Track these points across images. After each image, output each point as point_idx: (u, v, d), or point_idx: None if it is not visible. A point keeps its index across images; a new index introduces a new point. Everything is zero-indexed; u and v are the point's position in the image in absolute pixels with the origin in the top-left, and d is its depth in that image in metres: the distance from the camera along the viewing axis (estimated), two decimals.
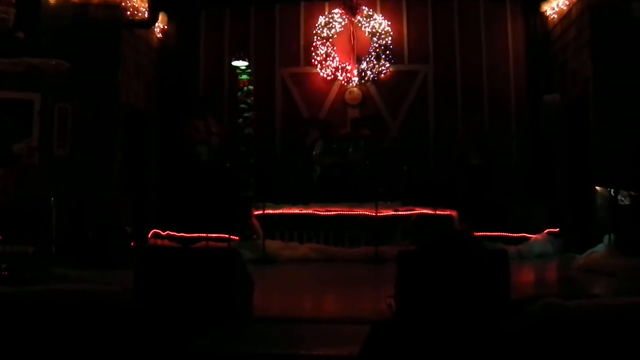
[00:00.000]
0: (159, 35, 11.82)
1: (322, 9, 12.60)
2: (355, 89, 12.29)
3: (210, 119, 11.16)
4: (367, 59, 12.19)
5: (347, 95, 12.33)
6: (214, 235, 9.63)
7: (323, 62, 12.26)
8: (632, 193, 8.20)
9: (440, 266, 2.01)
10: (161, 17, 11.44)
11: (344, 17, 12.35)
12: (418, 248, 2.17)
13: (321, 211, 10.03)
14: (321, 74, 12.31)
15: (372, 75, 12.20)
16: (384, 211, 9.76)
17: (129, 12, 10.21)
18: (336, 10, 12.39)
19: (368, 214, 9.73)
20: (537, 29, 11.72)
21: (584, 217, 9.38)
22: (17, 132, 8.88)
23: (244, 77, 11.48)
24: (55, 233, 8.34)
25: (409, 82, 12.31)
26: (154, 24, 11.18)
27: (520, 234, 9.84)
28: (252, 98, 11.55)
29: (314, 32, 12.38)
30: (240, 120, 11.30)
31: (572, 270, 7.98)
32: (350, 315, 5.26)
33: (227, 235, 9.47)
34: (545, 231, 9.91)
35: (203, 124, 10.91)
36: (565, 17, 10.58)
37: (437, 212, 9.64)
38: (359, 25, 12.31)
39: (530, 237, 9.80)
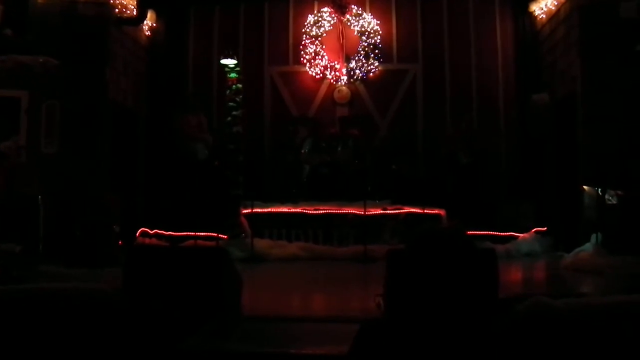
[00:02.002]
0: (148, 32, 11.79)
1: (311, 8, 12.58)
2: (344, 87, 12.29)
3: (202, 116, 11.10)
4: (356, 58, 12.20)
5: (336, 94, 12.33)
6: (202, 233, 9.62)
7: (312, 60, 12.25)
8: (619, 192, 8.24)
9: (429, 265, 2.01)
10: (150, 14, 11.40)
11: (333, 15, 12.34)
12: (407, 246, 2.17)
13: (310, 210, 10.02)
14: (310, 72, 12.30)
15: (361, 74, 12.20)
16: (372, 210, 9.76)
17: (117, 10, 10.18)
18: (325, 9, 12.39)
19: (357, 213, 9.72)
20: (526, 29, 11.77)
21: (572, 216, 9.43)
22: (4, 129, 8.84)
23: (233, 75, 11.46)
24: (43, 231, 8.30)
25: (398, 81, 12.32)
26: (143, 22, 11.14)
27: (508, 233, 9.87)
28: (241, 96, 11.54)
29: (303, 30, 12.37)
30: (229, 118, 11.27)
31: (560, 269, 8.02)
32: (339, 314, 5.26)
33: (216, 234, 9.46)
34: (533, 230, 9.95)
35: (195, 120, 10.84)
36: (553, 17, 10.62)
37: (425, 211, 9.65)
38: (348, 24, 12.31)
39: (519, 235, 9.84)
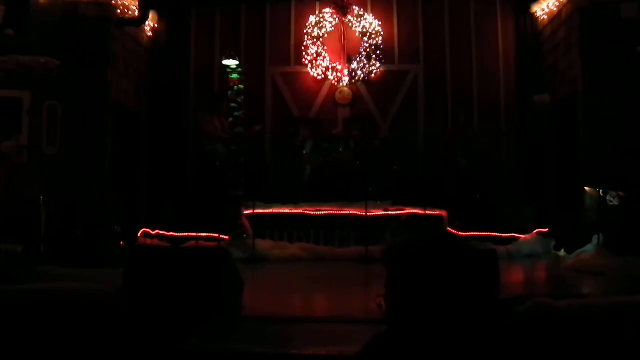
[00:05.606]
0: (150, 33, 11.80)
1: (312, 9, 12.58)
2: (345, 88, 12.28)
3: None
4: (358, 59, 12.19)
5: (337, 95, 12.32)
6: (203, 234, 9.61)
7: (314, 61, 12.25)
8: (621, 193, 8.24)
9: (429, 266, 2.00)
10: (152, 15, 11.41)
11: (335, 16, 12.33)
12: (407, 247, 2.16)
13: (311, 211, 10.01)
14: (312, 73, 12.30)
15: (362, 75, 12.19)
16: (374, 211, 9.75)
17: (119, 10, 10.19)
18: (327, 10, 12.38)
19: (358, 214, 9.72)
20: (527, 30, 11.76)
21: (573, 217, 9.42)
22: (5, 130, 8.85)
23: (235, 76, 11.46)
24: (44, 232, 8.30)
25: (400, 82, 12.32)
26: (145, 23, 11.15)
27: (509, 234, 9.85)
28: (243, 97, 11.53)
29: (305, 31, 12.37)
30: (231, 119, 11.27)
31: (562, 270, 8.01)
32: (340, 314, 5.26)
33: (217, 235, 9.45)
34: (534, 231, 9.93)
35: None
36: (555, 18, 10.62)
37: (427, 212, 9.64)
38: (350, 25, 12.31)
39: (520, 237, 9.82)
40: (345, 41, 12.34)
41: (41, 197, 8.36)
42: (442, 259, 1.99)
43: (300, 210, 10.06)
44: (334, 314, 5.42)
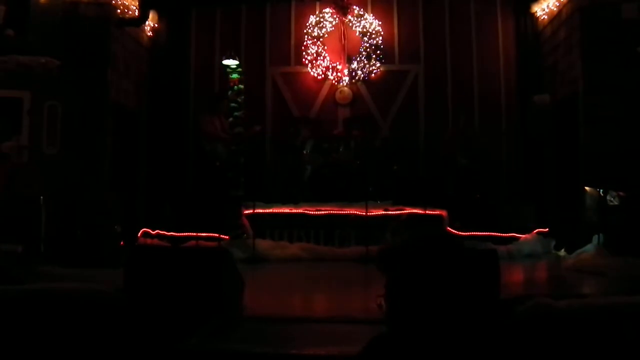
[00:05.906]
0: (150, 33, 11.80)
1: (313, 9, 12.58)
2: (345, 88, 12.28)
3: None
4: (358, 59, 12.19)
5: (337, 95, 12.32)
6: (204, 234, 9.61)
7: (314, 61, 12.25)
8: (621, 193, 8.24)
9: (429, 266, 2.00)
10: (152, 15, 11.41)
11: (335, 16, 12.33)
12: (405, 247, 2.16)
13: (311, 211, 10.01)
14: (312, 73, 12.29)
15: (362, 75, 12.19)
16: (374, 211, 9.75)
17: (119, 10, 10.19)
18: (327, 10, 12.38)
19: (358, 214, 9.72)
20: (528, 30, 11.77)
21: (573, 217, 9.43)
22: (6, 130, 8.84)
23: (235, 76, 11.46)
24: (45, 232, 8.30)
25: (400, 82, 12.32)
26: (145, 23, 11.16)
27: (509, 234, 9.85)
28: (243, 97, 11.52)
29: (305, 31, 12.37)
30: (231, 119, 11.26)
31: (562, 270, 8.01)
32: (340, 314, 5.26)
33: (217, 235, 9.45)
34: (534, 231, 9.93)
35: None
36: (555, 18, 10.62)
37: (427, 212, 9.63)
38: (350, 24, 12.31)
39: (520, 236, 9.82)
40: (346, 41, 12.34)
41: (41, 197, 8.36)
42: (442, 259, 1.99)
43: (300, 210, 10.06)
44: (334, 314, 5.42)
